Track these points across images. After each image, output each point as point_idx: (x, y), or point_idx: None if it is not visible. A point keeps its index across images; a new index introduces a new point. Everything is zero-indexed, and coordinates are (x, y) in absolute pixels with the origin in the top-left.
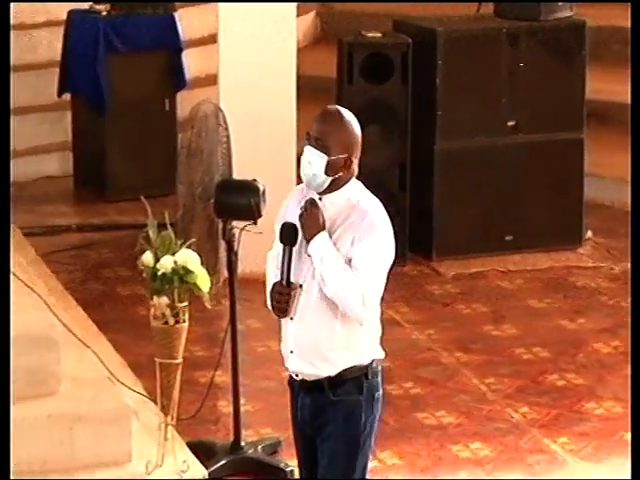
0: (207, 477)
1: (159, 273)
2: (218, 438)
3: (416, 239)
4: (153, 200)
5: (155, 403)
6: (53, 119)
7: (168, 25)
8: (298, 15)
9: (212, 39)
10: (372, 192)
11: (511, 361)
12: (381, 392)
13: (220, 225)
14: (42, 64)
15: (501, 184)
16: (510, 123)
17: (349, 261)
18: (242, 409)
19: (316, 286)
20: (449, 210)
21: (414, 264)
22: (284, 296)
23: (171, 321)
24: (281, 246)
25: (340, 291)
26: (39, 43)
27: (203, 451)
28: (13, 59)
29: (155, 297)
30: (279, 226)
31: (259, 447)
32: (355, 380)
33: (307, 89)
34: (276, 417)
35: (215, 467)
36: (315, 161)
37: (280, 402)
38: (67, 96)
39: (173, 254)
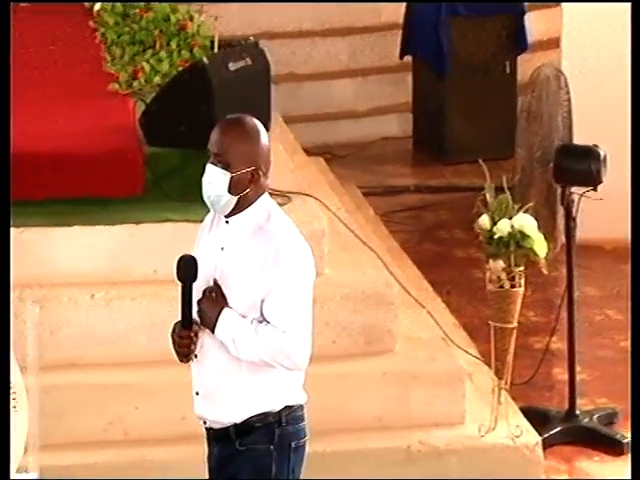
0: (541, 443)
1: (495, 237)
2: (552, 405)
3: None
4: (491, 163)
5: (489, 366)
6: (395, 80)
7: None
8: None
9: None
10: None
11: None
12: (302, 440)
13: (559, 190)
14: (385, 26)
15: None
16: None
17: (257, 298)
18: (577, 377)
19: None
20: None
21: None
22: (185, 340)
23: (507, 285)
24: (179, 284)
25: (265, 356)
26: (384, 6)
27: (536, 417)
28: (356, 21)
29: (491, 261)
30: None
31: (594, 416)
32: (265, 428)
33: None
34: (613, 387)
35: (549, 434)
36: (217, 180)
37: (617, 372)
38: (409, 58)
39: (510, 218)
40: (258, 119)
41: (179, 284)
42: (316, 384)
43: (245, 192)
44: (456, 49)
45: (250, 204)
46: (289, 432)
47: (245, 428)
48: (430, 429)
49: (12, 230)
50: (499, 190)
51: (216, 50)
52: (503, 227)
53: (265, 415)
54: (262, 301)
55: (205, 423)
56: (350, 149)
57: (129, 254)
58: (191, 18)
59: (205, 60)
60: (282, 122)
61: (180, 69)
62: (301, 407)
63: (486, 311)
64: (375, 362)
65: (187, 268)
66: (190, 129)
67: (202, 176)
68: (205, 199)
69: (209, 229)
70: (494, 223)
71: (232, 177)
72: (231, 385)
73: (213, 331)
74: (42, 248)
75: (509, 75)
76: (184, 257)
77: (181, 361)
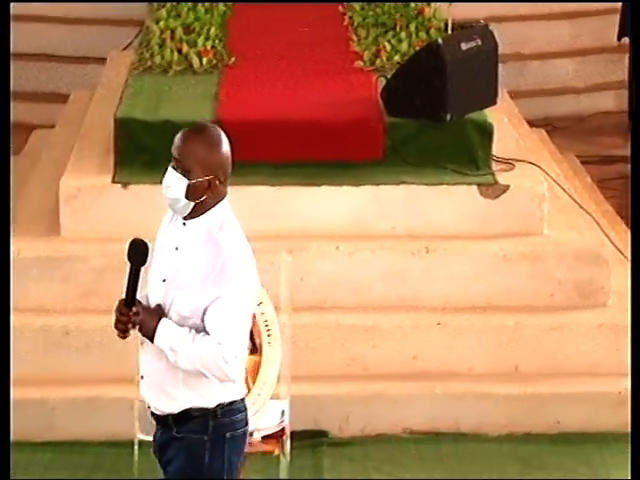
0: None
1: None
2: None
3: None
4: None
5: None
6: (612, 60)
7: None
8: None
9: None
10: None
11: None
12: (239, 431)
13: None
14: (605, 10)
15: None
16: None
17: (202, 311)
18: None
19: (172, 317)
20: None
21: None
22: (123, 317)
23: None
24: (128, 264)
25: (199, 365)
26: None
27: None
28: (579, 6)
29: None
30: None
31: None
32: (200, 418)
33: None
34: None
35: None
36: (175, 184)
37: None
38: (626, 39)
39: None
40: (486, 94)
41: (127, 265)
42: (535, 333)
43: (202, 199)
44: None
45: (207, 210)
46: (224, 423)
47: (182, 417)
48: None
49: (266, 188)
50: None
51: (450, 32)
52: None
53: (200, 408)
54: (204, 310)
55: (149, 407)
56: (569, 122)
57: (370, 212)
58: (428, 3)
59: (440, 40)
60: (508, 97)
61: (417, 49)
62: (239, 401)
63: None
64: (588, 315)
65: (137, 252)
66: (425, 102)
67: (436, 144)
68: (164, 200)
69: (168, 224)
70: None
71: (189, 184)
72: (169, 379)
73: (152, 340)
74: (294, 205)
75: None
76: (135, 241)
77: (119, 336)
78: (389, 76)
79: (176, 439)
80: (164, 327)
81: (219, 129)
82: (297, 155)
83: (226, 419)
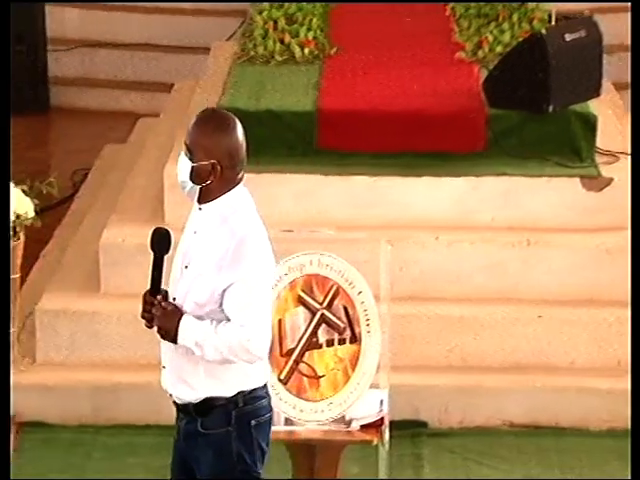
0: None
1: None
2: None
3: None
4: None
5: None
6: None
7: None
8: None
9: None
10: None
11: None
12: (265, 417)
13: None
14: None
15: None
16: None
17: (220, 295)
18: None
19: (188, 305)
20: None
21: None
22: (147, 305)
23: None
24: (152, 253)
25: (227, 353)
26: None
27: None
28: None
29: None
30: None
31: None
32: (221, 409)
33: None
34: None
35: None
36: (183, 167)
37: None
38: None
39: None
40: (590, 86)
41: (151, 254)
42: None
43: (207, 183)
44: None
45: (219, 195)
46: (247, 412)
47: (203, 408)
48: None
49: (366, 178)
50: None
51: (553, 23)
52: None
53: (220, 397)
54: (222, 294)
55: (171, 396)
56: None
57: (470, 203)
58: None
59: (543, 31)
60: (612, 88)
61: (520, 40)
62: (260, 388)
63: None
64: None
65: (160, 241)
66: (527, 93)
67: (538, 136)
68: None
69: (192, 213)
70: None
71: (193, 167)
72: (189, 368)
73: (175, 341)
74: (394, 195)
75: None
76: (158, 230)
77: (146, 326)
78: (491, 67)
79: (201, 435)
80: (185, 325)
81: (232, 116)
82: (397, 145)
83: (249, 407)
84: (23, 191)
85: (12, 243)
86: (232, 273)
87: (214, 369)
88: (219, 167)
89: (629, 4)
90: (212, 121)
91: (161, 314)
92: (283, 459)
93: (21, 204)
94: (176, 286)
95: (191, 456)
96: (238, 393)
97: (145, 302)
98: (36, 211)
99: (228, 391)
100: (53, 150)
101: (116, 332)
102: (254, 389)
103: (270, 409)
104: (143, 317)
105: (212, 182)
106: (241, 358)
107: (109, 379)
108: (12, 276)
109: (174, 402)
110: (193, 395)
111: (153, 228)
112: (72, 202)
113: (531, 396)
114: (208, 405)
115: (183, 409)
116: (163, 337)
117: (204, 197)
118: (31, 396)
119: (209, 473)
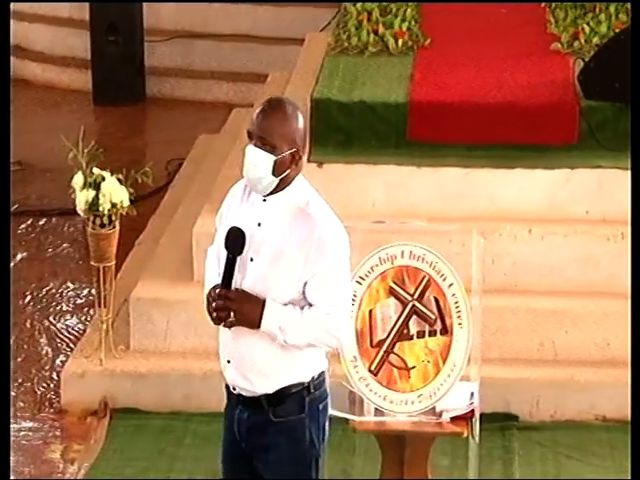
0: None
1: None
2: None
3: None
4: None
5: None
6: None
7: None
8: None
9: None
10: None
11: None
12: (327, 401)
13: None
14: None
15: None
16: None
17: (303, 284)
18: None
19: (259, 296)
20: None
21: None
22: (219, 300)
23: None
24: (225, 252)
25: (311, 338)
26: None
27: None
28: None
29: None
30: (221, 225)
31: None
32: (296, 396)
33: None
34: None
35: None
36: (261, 162)
37: None
38: None
39: None
40: None
41: (224, 253)
42: None
43: (285, 173)
44: None
45: (288, 184)
46: (317, 396)
47: (277, 397)
48: None
49: (458, 170)
50: None
51: None
52: None
53: (295, 385)
54: (304, 283)
55: (235, 390)
56: None
57: (563, 195)
58: None
59: None
60: None
61: (617, 31)
62: (324, 371)
63: None
64: None
65: (236, 241)
66: (624, 86)
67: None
68: (246, 179)
69: (239, 203)
70: None
71: (276, 160)
72: (265, 358)
73: (259, 326)
74: (486, 187)
75: None
76: (234, 229)
77: (215, 323)
78: (587, 59)
79: (273, 424)
80: (270, 310)
81: (293, 102)
82: (490, 137)
83: (317, 392)
84: (119, 180)
85: (108, 231)
86: (317, 263)
87: (292, 356)
88: (299, 154)
89: None
90: (286, 109)
91: (243, 301)
92: (372, 450)
93: (117, 193)
94: (242, 279)
95: (257, 446)
96: (311, 378)
97: (219, 296)
98: (131, 200)
99: (304, 377)
100: (148, 140)
101: (209, 320)
102: (321, 372)
103: (328, 393)
104: (215, 311)
105: (291, 171)
106: (324, 343)
107: (201, 367)
108: (107, 264)
109: (237, 395)
110: (269, 385)
111: (229, 227)
112: (166, 191)
113: (623, 391)
114: (283, 394)
115: (249, 401)
116: (242, 324)
117: (273, 189)
118: (124, 383)
119: (280, 460)
